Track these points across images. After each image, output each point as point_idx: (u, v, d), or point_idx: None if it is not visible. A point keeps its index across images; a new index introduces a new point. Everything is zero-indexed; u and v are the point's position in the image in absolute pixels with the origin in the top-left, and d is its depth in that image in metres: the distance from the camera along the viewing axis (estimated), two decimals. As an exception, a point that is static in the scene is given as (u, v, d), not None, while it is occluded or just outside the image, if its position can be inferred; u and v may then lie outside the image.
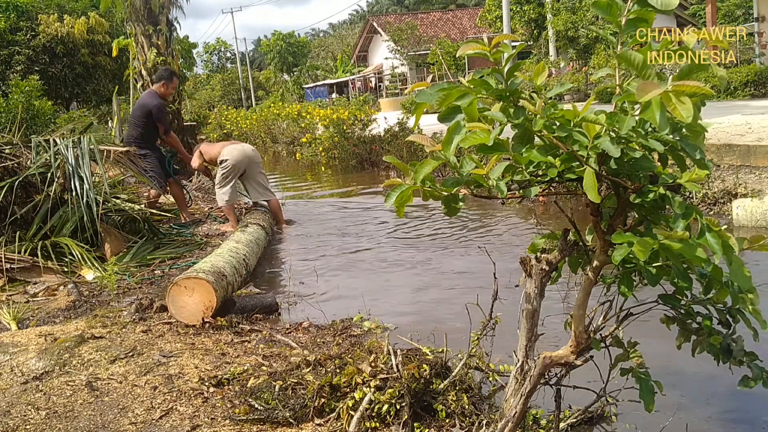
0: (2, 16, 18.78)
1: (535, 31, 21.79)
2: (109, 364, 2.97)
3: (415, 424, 2.29)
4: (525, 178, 1.67)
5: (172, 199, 7.55)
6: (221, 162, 6.41)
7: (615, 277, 1.87)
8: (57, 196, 5.15)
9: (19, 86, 11.44)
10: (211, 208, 7.96)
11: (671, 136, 1.53)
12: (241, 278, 4.18)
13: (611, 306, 2.11)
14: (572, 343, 1.94)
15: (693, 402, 2.62)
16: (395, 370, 2.41)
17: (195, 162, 6.81)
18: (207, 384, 2.71)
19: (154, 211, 6.30)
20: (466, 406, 2.35)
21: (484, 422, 2.25)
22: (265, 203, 6.77)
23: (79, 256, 4.88)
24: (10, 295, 4.36)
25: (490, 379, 2.71)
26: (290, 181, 11.89)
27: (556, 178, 1.65)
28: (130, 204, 6.02)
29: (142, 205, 6.19)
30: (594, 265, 1.83)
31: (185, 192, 7.64)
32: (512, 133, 1.68)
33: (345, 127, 12.23)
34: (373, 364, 2.47)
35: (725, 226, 1.59)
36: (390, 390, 2.31)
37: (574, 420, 2.35)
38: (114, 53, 13.79)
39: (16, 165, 5.27)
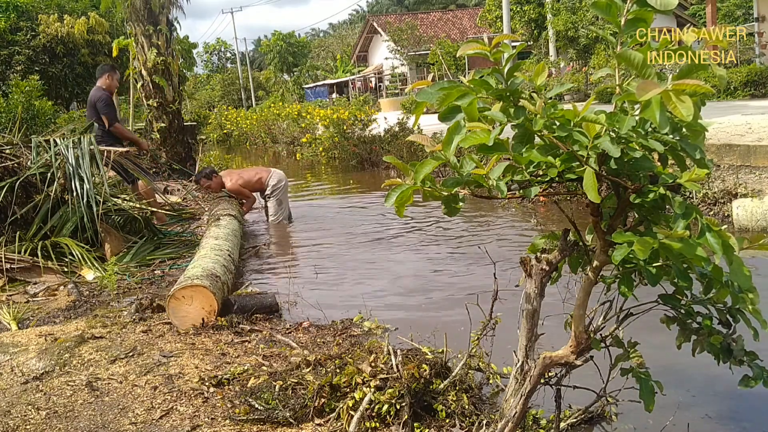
0: (2, 16, 18.79)
1: (535, 31, 21.77)
2: (109, 364, 2.97)
3: (415, 424, 2.29)
4: (525, 178, 1.67)
5: (173, 198, 7.55)
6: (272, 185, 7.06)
7: (615, 277, 1.87)
8: (57, 197, 5.15)
9: (20, 86, 11.45)
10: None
11: (671, 136, 1.53)
12: (232, 275, 4.17)
13: (611, 306, 2.11)
14: (572, 343, 1.94)
15: (693, 402, 2.62)
16: (395, 370, 2.41)
17: (230, 185, 6.92)
18: (207, 384, 2.71)
19: (155, 209, 6.29)
20: (466, 406, 2.35)
21: (484, 422, 2.25)
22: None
23: (79, 256, 4.88)
24: (10, 295, 4.36)
25: (491, 380, 2.71)
26: (290, 182, 11.87)
27: (556, 178, 1.65)
28: (130, 204, 6.02)
29: (159, 204, 6.13)
30: (594, 265, 1.83)
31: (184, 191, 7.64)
32: (512, 133, 1.68)
33: (345, 127, 12.22)
34: (373, 364, 2.47)
35: (725, 227, 1.59)
36: (390, 390, 2.31)
37: (574, 420, 2.35)
38: (114, 53, 13.80)
39: (16, 165, 5.26)
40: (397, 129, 11.56)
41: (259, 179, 7.01)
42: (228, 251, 4.43)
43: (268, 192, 7.02)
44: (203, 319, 3.51)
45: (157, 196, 6.86)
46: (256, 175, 7.07)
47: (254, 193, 7.11)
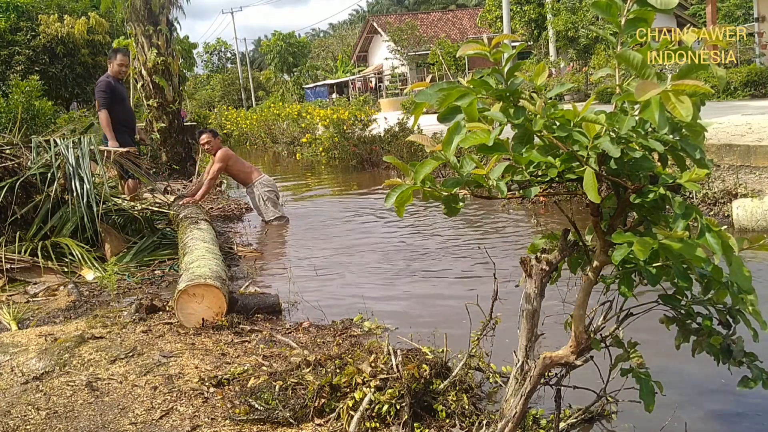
0: (2, 16, 18.81)
1: (535, 32, 21.78)
2: (109, 364, 2.97)
3: (415, 425, 2.29)
4: (525, 178, 1.67)
5: (159, 197, 7.53)
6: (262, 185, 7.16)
7: (615, 277, 1.87)
8: (57, 197, 5.15)
9: (20, 86, 11.47)
10: (212, 208, 7.97)
11: (671, 136, 1.53)
12: (227, 277, 4.17)
13: (611, 306, 2.11)
14: (572, 343, 1.94)
15: (693, 402, 2.62)
16: (395, 370, 2.41)
17: (221, 155, 6.96)
18: (207, 384, 2.71)
19: (155, 209, 6.29)
20: (466, 406, 2.35)
21: (484, 422, 2.25)
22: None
23: (80, 256, 4.88)
24: (11, 295, 4.36)
25: (491, 380, 2.71)
26: (290, 182, 11.89)
27: (556, 178, 1.65)
28: (130, 204, 6.02)
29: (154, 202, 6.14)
30: (594, 265, 1.83)
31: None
32: (512, 133, 1.68)
33: (345, 128, 12.22)
34: (373, 365, 2.47)
35: (725, 227, 1.59)
36: (390, 390, 2.31)
37: (575, 420, 2.35)
38: (114, 53, 13.83)
39: (16, 165, 5.27)
40: (397, 129, 11.56)
41: (249, 174, 7.18)
42: (220, 256, 4.43)
43: (257, 194, 7.10)
44: (203, 319, 3.51)
45: (149, 195, 6.86)
46: (249, 169, 7.26)
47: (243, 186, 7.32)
